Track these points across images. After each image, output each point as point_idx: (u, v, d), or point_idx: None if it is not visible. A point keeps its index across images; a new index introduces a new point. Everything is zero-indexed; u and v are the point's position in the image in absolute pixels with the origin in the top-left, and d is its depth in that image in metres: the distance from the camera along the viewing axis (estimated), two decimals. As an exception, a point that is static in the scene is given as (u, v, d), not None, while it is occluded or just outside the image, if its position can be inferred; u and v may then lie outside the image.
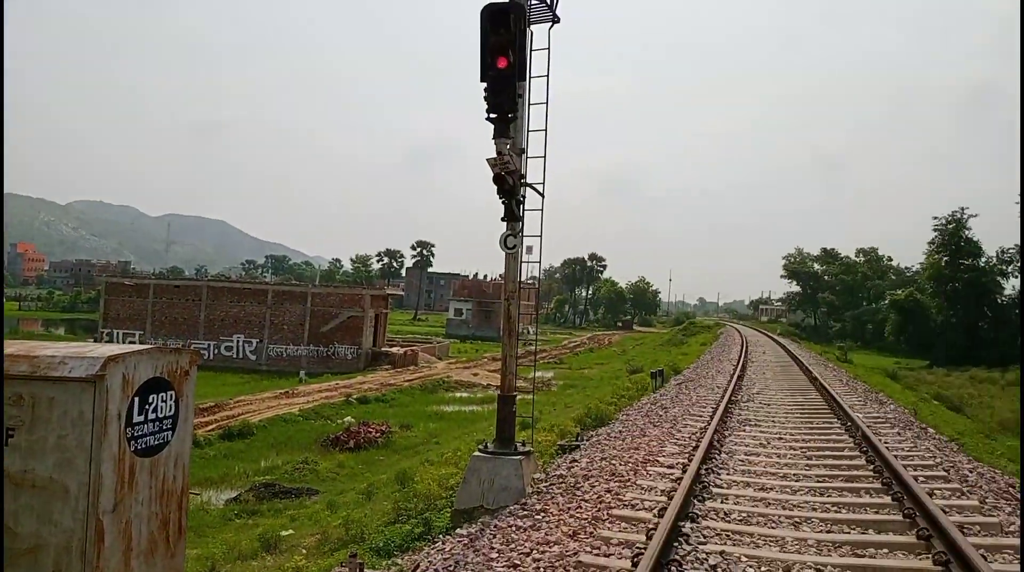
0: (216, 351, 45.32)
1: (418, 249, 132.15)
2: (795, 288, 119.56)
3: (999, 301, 63.82)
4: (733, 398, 15.98)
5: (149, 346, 4.74)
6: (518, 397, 8.66)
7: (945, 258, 64.78)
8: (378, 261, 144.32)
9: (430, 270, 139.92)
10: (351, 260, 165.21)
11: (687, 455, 9.45)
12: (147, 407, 4.44)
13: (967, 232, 64.57)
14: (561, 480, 8.60)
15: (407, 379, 37.94)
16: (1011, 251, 67.36)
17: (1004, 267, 66.57)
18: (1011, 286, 65.68)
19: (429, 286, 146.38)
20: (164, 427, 4.61)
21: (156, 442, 4.54)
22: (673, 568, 5.49)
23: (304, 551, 9.48)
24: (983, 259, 64.90)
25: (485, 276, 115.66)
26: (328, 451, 21.25)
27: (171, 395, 4.66)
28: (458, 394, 35.04)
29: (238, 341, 46.73)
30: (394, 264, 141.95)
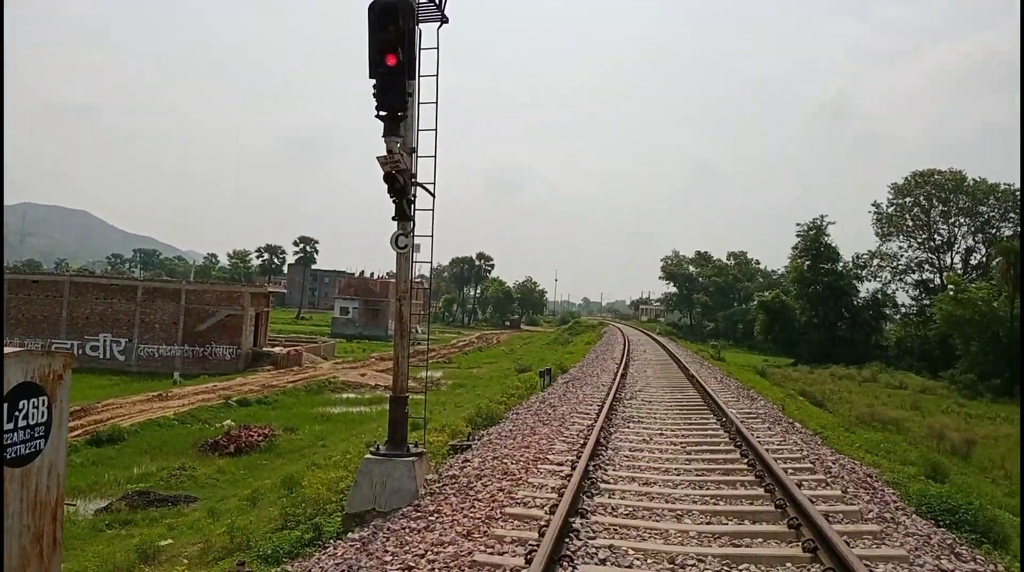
0: (81, 351, 42.31)
1: (301, 245, 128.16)
2: (672, 289, 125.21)
3: (855, 303, 69.14)
4: (617, 396, 16.54)
5: (19, 349, 4.39)
6: (410, 397, 8.63)
7: (807, 262, 69.49)
8: (258, 257, 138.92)
9: (314, 267, 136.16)
10: (228, 255, 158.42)
11: (576, 452, 9.72)
12: (17, 414, 4.13)
13: (826, 238, 69.58)
14: (454, 480, 8.64)
15: (290, 380, 36.83)
16: (864, 257, 73.18)
17: (859, 271, 72.29)
18: (865, 289, 71.36)
19: (313, 284, 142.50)
20: (36, 435, 4.30)
21: (27, 451, 4.23)
22: (565, 563, 5.66)
23: (186, 561, 9.06)
24: (840, 264, 70.13)
25: (372, 274, 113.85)
26: (207, 456, 20.32)
27: (43, 401, 4.35)
28: (345, 395, 34.34)
29: (105, 341, 43.84)
30: (275, 260, 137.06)
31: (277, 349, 48.51)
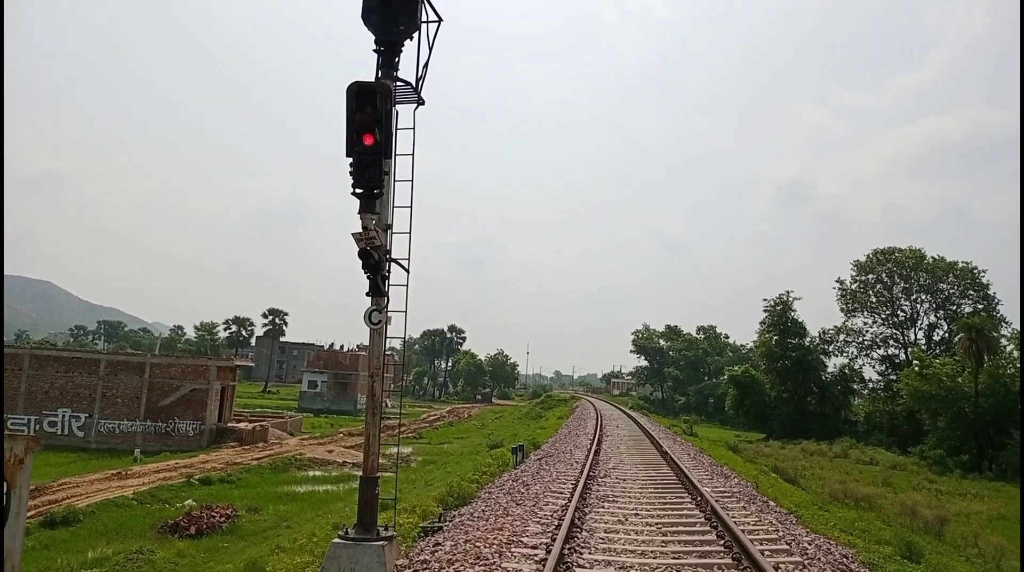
0: (38, 427, 40.94)
1: (270, 317, 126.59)
2: (643, 362, 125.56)
3: (823, 378, 69.78)
4: (591, 473, 16.33)
5: (-23, 434, 4.23)
6: (380, 477, 8.44)
7: (775, 337, 70.31)
8: (226, 329, 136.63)
9: (283, 340, 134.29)
10: (195, 328, 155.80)
11: (550, 535, 9.51)
12: (-29, 502, 3.95)
13: (792, 313, 70.71)
14: (425, 566, 8.38)
15: (255, 457, 35.80)
16: (830, 332, 74.34)
17: (826, 346, 73.29)
18: (832, 364, 72.19)
19: (281, 356, 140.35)
20: (-9, 525, 4.11)
21: (-19, 542, 4.03)
22: (541, 655, 5.46)
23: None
24: (808, 339, 71.09)
25: (342, 346, 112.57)
26: (166, 539, 19.46)
27: (2, 487, 4.18)
28: (312, 473, 33.41)
29: (64, 416, 42.45)
30: (243, 333, 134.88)
31: (242, 425, 47.32)
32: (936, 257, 70.86)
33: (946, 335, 68.28)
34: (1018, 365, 46.93)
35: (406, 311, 9.01)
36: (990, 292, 67.50)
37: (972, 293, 68.21)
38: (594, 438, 26.22)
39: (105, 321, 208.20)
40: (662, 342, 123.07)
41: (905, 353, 69.42)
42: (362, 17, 9.44)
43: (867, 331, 74.03)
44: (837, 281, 76.30)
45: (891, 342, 73.22)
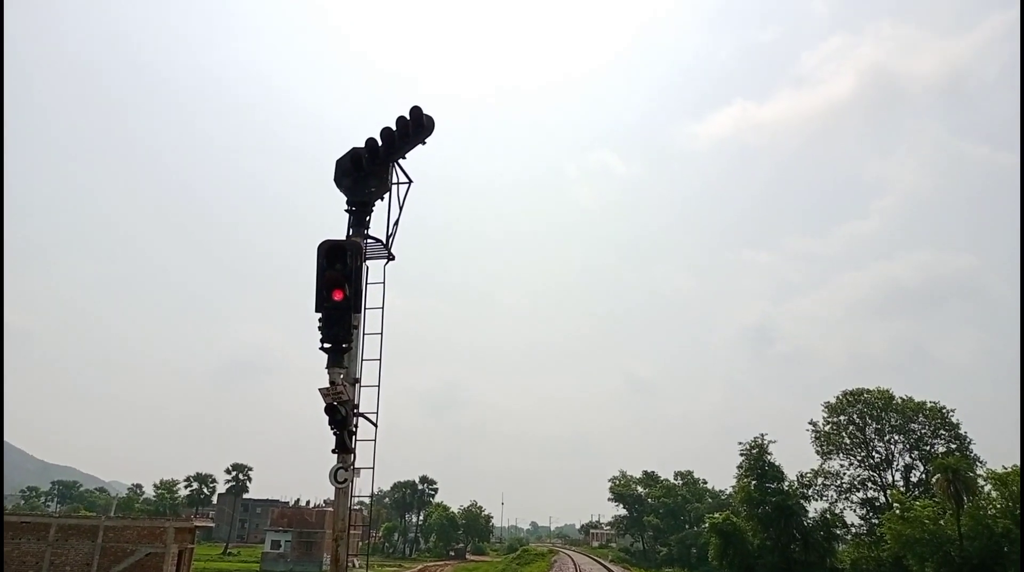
0: (-28, 600, 37.94)
1: (233, 472, 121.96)
2: (622, 511, 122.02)
3: (805, 524, 68.02)
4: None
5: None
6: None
7: (753, 482, 69.06)
8: (186, 487, 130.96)
9: (246, 496, 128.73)
10: (155, 486, 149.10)
11: None
12: None
13: (769, 456, 69.90)
14: None
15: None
16: (808, 475, 73.41)
17: (804, 490, 72.08)
18: (813, 508, 70.68)
19: (244, 514, 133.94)
20: None
21: None
22: None
23: None
24: (786, 483, 69.93)
25: (308, 502, 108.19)
26: None
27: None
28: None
29: (3, 587, 39.49)
30: (205, 490, 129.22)
31: (198, 591, 44.34)
32: (904, 397, 71.55)
33: (923, 476, 67.74)
34: (998, 506, 46.50)
35: (374, 468, 8.86)
36: (961, 431, 67.81)
37: (944, 432, 68.44)
38: (572, 596, 24.96)
39: (60, 481, 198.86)
40: (640, 489, 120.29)
41: (884, 495, 68.39)
42: (335, 180, 9.94)
43: (844, 474, 73.18)
44: (810, 423, 76.27)
45: (869, 484, 72.28)
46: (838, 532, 69.80)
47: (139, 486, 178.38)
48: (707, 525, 76.24)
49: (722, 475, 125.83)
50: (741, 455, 72.04)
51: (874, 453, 72.66)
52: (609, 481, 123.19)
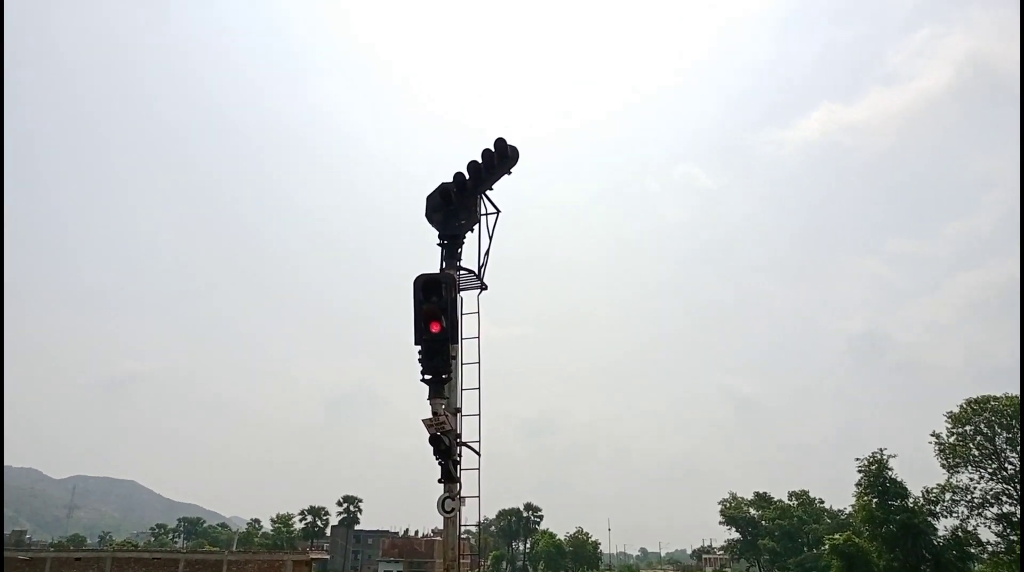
0: (114, 632, 40.43)
1: (344, 505, 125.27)
2: (735, 535, 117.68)
3: (935, 543, 63.73)
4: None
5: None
6: None
7: (875, 499, 65.39)
8: (301, 520, 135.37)
9: (357, 528, 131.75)
10: (272, 520, 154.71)
11: None
12: None
13: (889, 472, 66.07)
14: None
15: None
16: (935, 491, 68.83)
17: (932, 507, 67.54)
18: (943, 526, 66.11)
19: (356, 545, 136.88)
20: None
21: None
22: None
23: None
24: (911, 500, 65.82)
25: (416, 532, 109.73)
26: None
27: None
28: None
29: (141, 620, 41.91)
30: (319, 523, 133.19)
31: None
32: (1036, 403, 66.32)
33: (1065, 487, 62.35)
34: None
35: (479, 496, 8.99)
36: (1104, 437, 62.22)
37: (1085, 439, 62.90)
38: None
39: (185, 518, 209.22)
40: (752, 511, 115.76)
41: (1021, 510, 63.26)
42: (426, 215, 10.28)
43: (975, 488, 68.17)
44: (933, 434, 71.65)
45: (1004, 498, 67.01)
46: (973, 551, 64.97)
47: (257, 521, 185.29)
48: (827, 547, 72.58)
49: (837, 494, 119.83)
50: (859, 472, 68.39)
51: (1007, 465, 67.45)
52: (719, 504, 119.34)
